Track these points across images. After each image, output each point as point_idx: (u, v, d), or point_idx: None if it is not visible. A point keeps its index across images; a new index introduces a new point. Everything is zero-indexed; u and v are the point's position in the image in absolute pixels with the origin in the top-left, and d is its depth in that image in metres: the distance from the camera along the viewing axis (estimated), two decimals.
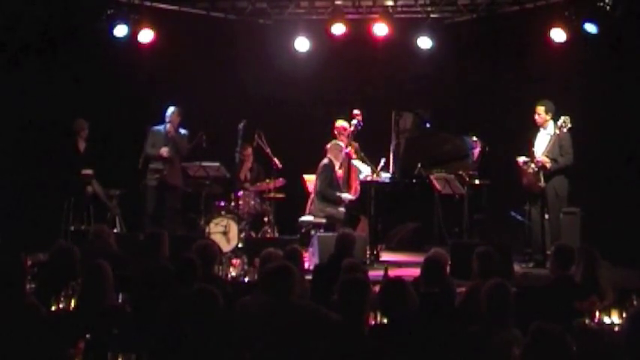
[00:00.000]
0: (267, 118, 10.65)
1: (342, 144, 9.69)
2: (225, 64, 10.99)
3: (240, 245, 9.35)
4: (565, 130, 8.57)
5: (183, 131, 9.98)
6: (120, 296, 5.13)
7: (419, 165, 9.44)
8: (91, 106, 10.28)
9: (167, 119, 9.86)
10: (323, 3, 10.92)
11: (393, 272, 6.93)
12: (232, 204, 10.01)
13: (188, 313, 4.02)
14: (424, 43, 10.51)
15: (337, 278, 4.70)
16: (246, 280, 7.05)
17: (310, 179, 9.91)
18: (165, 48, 10.48)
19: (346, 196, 9.55)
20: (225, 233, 9.49)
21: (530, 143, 8.94)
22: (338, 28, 10.44)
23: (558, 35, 9.62)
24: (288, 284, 4.59)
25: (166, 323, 4.31)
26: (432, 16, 10.71)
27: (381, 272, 6.82)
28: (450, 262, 6.51)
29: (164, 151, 9.74)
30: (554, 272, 6.01)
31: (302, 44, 10.75)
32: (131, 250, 7.26)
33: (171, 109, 9.89)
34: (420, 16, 10.79)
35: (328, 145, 9.68)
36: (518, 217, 9.63)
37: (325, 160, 9.62)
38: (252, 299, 4.81)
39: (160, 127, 9.89)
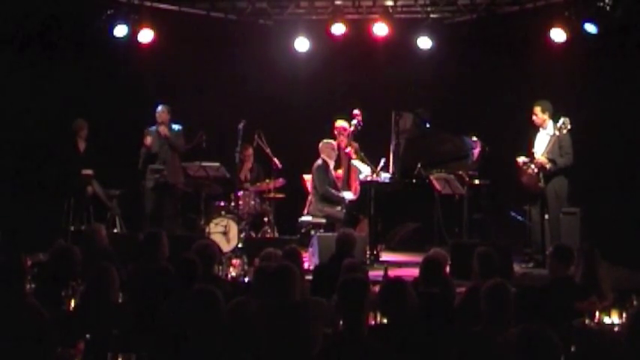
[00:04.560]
0: (267, 118, 10.65)
1: (332, 142, 9.71)
2: (225, 64, 10.98)
3: (240, 245, 9.36)
4: (565, 131, 8.57)
5: (176, 127, 9.99)
6: (120, 296, 5.13)
7: (419, 165, 9.44)
8: (91, 106, 10.28)
9: (157, 119, 9.88)
10: (323, 3, 10.91)
11: (393, 272, 6.94)
12: (232, 204, 10.01)
13: (188, 313, 4.01)
14: (424, 43, 10.51)
15: (337, 278, 4.70)
16: (246, 280, 7.05)
17: (310, 179, 9.91)
18: (165, 48, 10.48)
19: (348, 195, 9.56)
20: (225, 233, 9.49)
21: (530, 143, 8.94)
22: (338, 28, 10.43)
23: (558, 35, 9.62)
24: (290, 285, 4.59)
25: (166, 323, 4.31)
26: (432, 16, 10.71)
27: (381, 272, 6.82)
28: (450, 262, 6.53)
29: (148, 140, 9.74)
30: (553, 272, 6.01)
31: (302, 44, 10.75)
32: (130, 250, 7.27)
33: (159, 108, 9.91)
34: (420, 16, 10.78)
35: (320, 145, 9.68)
36: (518, 217, 9.64)
37: (319, 161, 9.63)
38: (251, 299, 4.79)
39: (154, 128, 9.92)
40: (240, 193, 10.22)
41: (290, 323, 4.44)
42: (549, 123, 8.80)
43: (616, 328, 5.07)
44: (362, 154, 9.80)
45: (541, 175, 8.69)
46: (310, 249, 8.78)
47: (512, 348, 3.37)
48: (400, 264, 8.76)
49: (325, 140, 9.73)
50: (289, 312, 4.51)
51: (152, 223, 9.55)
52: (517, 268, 8.42)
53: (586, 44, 9.59)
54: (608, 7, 9.18)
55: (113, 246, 7.28)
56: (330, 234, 8.63)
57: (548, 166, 8.66)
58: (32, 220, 9.52)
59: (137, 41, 10.32)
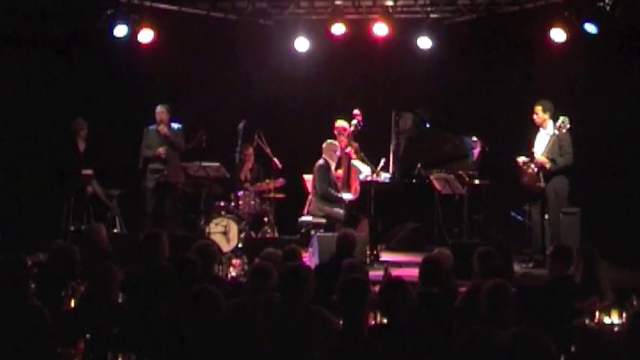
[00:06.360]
0: (267, 118, 10.66)
1: (336, 143, 9.71)
2: (225, 64, 10.99)
3: (240, 245, 9.36)
4: (564, 130, 8.57)
5: (175, 126, 9.99)
6: (120, 296, 5.13)
7: (419, 165, 9.44)
8: (91, 106, 10.28)
9: (157, 119, 9.88)
10: (323, 3, 10.92)
11: (393, 272, 6.93)
12: (232, 204, 10.01)
13: (188, 313, 4.01)
14: (424, 43, 10.51)
15: (337, 278, 4.70)
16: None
17: (310, 179, 9.91)
18: (165, 48, 10.48)
19: (347, 196, 9.56)
20: (225, 233, 9.49)
21: (530, 143, 8.94)
22: (338, 28, 10.43)
23: (558, 35, 9.62)
24: (304, 287, 4.59)
25: (166, 323, 4.31)
26: (432, 16, 10.71)
27: (381, 272, 6.82)
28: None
29: (161, 152, 9.77)
30: (553, 272, 6.01)
31: (302, 44, 10.75)
32: (130, 250, 7.27)
33: (158, 108, 9.90)
34: (420, 16, 10.78)
35: (324, 145, 9.70)
36: (518, 217, 9.64)
37: (320, 161, 9.64)
38: (249, 297, 4.78)
39: (153, 127, 9.92)
40: (240, 193, 10.22)
41: (297, 325, 4.43)
42: (549, 123, 8.80)
43: (616, 328, 5.07)
44: (362, 154, 9.80)
45: (541, 174, 8.69)
46: (310, 249, 8.78)
47: (505, 351, 3.36)
48: (400, 264, 8.76)
49: (329, 141, 9.73)
50: (299, 314, 4.50)
51: (152, 223, 9.55)
52: (517, 268, 8.41)
53: (586, 44, 9.59)
54: (608, 7, 9.17)
55: (113, 246, 7.28)
56: (330, 234, 8.63)
57: (548, 165, 8.66)
58: (32, 220, 9.52)
59: (137, 41, 10.31)
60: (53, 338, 4.19)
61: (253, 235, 9.89)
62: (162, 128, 9.87)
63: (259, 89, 10.96)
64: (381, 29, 10.39)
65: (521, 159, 8.84)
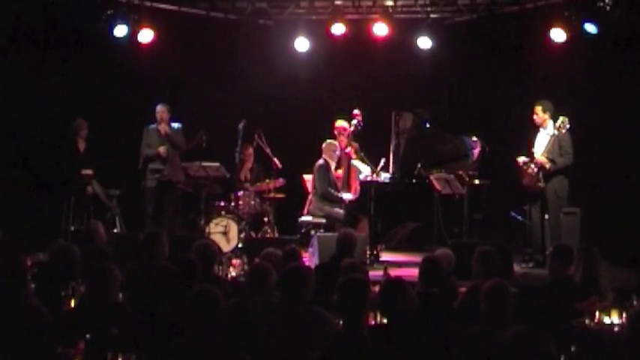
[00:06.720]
0: (267, 118, 10.66)
1: (335, 143, 9.72)
2: (225, 64, 10.99)
3: (240, 245, 9.36)
4: (564, 130, 8.58)
5: (175, 125, 10.00)
6: (120, 296, 5.13)
7: (419, 165, 9.44)
8: (91, 106, 10.29)
9: (157, 118, 9.88)
10: (323, 3, 10.93)
11: (393, 272, 6.94)
12: (232, 204, 10.01)
13: (188, 313, 4.01)
14: (424, 43, 10.51)
15: (337, 278, 4.70)
16: None
17: (310, 179, 9.92)
18: (165, 48, 10.48)
19: (347, 196, 9.57)
20: (225, 233, 9.49)
21: (530, 143, 8.95)
22: (338, 28, 10.43)
23: (558, 35, 9.62)
24: (305, 287, 4.59)
25: (166, 323, 4.31)
26: (432, 16, 10.71)
27: (381, 272, 6.82)
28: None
29: (162, 150, 9.77)
30: (553, 272, 6.02)
31: (302, 44, 10.75)
32: (130, 250, 7.27)
33: (158, 108, 9.91)
34: (420, 16, 10.79)
35: (323, 145, 9.70)
36: (518, 217, 9.65)
37: (320, 161, 9.64)
38: (248, 298, 4.79)
39: (154, 126, 9.92)
40: (240, 193, 10.22)
41: (297, 325, 4.43)
42: (549, 123, 8.81)
43: (616, 328, 5.07)
44: (362, 154, 9.80)
45: (541, 174, 8.70)
46: (310, 249, 8.78)
47: (505, 351, 3.36)
48: (400, 264, 8.76)
49: (329, 141, 9.74)
50: (299, 314, 4.50)
51: (152, 223, 9.56)
52: (517, 268, 8.41)
53: (586, 44, 9.59)
54: (608, 7, 9.17)
55: (113, 246, 7.29)
56: (330, 234, 8.62)
57: (548, 165, 8.67)
58: (32, 220, 9.51)
59: (137, 41, 10.31)
60: (53, 338, 4.19)
61: (253, 235, 9.89)
62: (163, 127, 9.88)
63: (259, 89, 10.96)
64: (381, 29, 10.39)
65: (521, 159, 8.84)
